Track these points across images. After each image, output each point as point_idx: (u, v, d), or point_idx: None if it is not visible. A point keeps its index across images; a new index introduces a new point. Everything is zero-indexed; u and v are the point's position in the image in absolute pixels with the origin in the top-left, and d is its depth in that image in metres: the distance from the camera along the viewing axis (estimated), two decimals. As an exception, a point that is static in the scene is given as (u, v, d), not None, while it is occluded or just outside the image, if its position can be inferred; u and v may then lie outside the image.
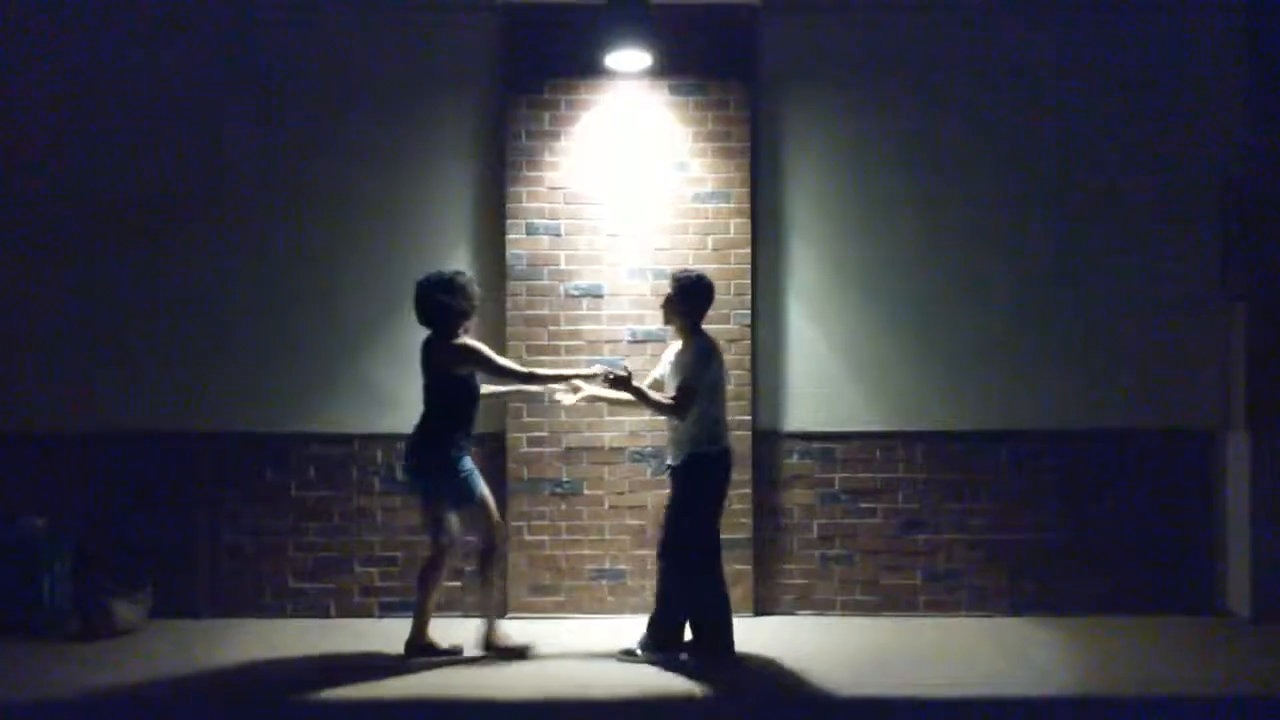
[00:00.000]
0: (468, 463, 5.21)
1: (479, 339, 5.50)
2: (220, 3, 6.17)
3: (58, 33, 6.16)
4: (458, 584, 6.04)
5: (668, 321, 5.32)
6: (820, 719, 4.73)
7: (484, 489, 5.25)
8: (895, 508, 6.11)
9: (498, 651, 5.23)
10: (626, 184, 6.04)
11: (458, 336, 5.18)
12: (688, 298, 5.21)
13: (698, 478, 5.19)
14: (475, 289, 5.25)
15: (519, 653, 5.24)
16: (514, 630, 5.42)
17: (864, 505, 6.11)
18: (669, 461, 5.30)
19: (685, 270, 5.37)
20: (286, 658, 5.31)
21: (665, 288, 5.29)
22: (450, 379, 5.16)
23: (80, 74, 6.16)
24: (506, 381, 5.30)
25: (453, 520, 5.22)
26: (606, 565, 5.95)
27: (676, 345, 5.31)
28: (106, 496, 6.07)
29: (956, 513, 6.10)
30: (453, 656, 5.21)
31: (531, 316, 5.98)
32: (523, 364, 5.55)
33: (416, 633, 5.22)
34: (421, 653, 5.20)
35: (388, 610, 6.06)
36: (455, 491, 5.16)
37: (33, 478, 6.06)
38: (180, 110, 6.16)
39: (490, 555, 5.29)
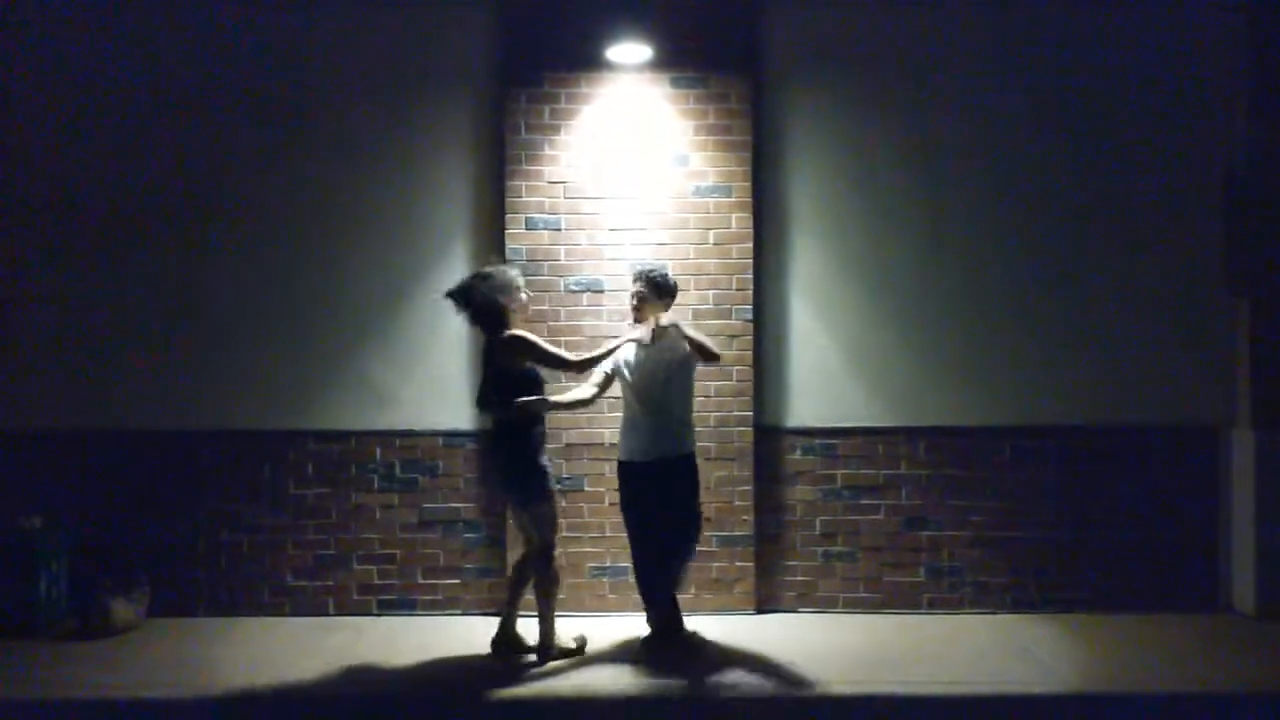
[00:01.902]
0: (545, 460, 5.15)
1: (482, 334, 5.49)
2: (220, 2, 6.13)
3: (57, 33, 6.12)
4: (457, 581, 6.02)
5: (643, 318, 5.26)
6: (823, 717, 4.70)
7: (558, 486, 5.26)
8: (898, 504, 6.07)
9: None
10: (627, 178, 6.00)
11: (510, 329, 5.08)
12: (664, 293, 5.27)
13: (695, 470, 5.34)
14: (511, 277, 5.13)
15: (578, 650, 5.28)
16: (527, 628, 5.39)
17: (866, 501, 6.07)
18: (669, 455, 5.23)
19: (650, 266, 5.36)
20: (285, 656, 5.28)
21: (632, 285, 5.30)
22: (515, 375, 5.06)
23: (80, 74, 6.11)
24: (562, 372, 5.21)
25: (556, 515, 5.18)
26: (608, 563, 5.91)
27: (632, 341, 5.27)
28: (104, 494, 6.03)
29: (959, 509, 6.07)
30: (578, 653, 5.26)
31: (531, 312, 5.91)
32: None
33: (547, 635, 5.20)
34: (561, 654, 5.20)
35: (386, 608, 6.02)
36: (534, 489, 5.08)
37: (30, 476, 6.03)
38: (180, 110, 6.11)
39: (541, 558, 5.19)
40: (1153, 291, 6.11)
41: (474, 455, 6.04)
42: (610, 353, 5.23)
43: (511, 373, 5.05)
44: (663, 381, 5.21)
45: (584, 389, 5.33)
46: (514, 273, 5.21)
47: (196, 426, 6.06)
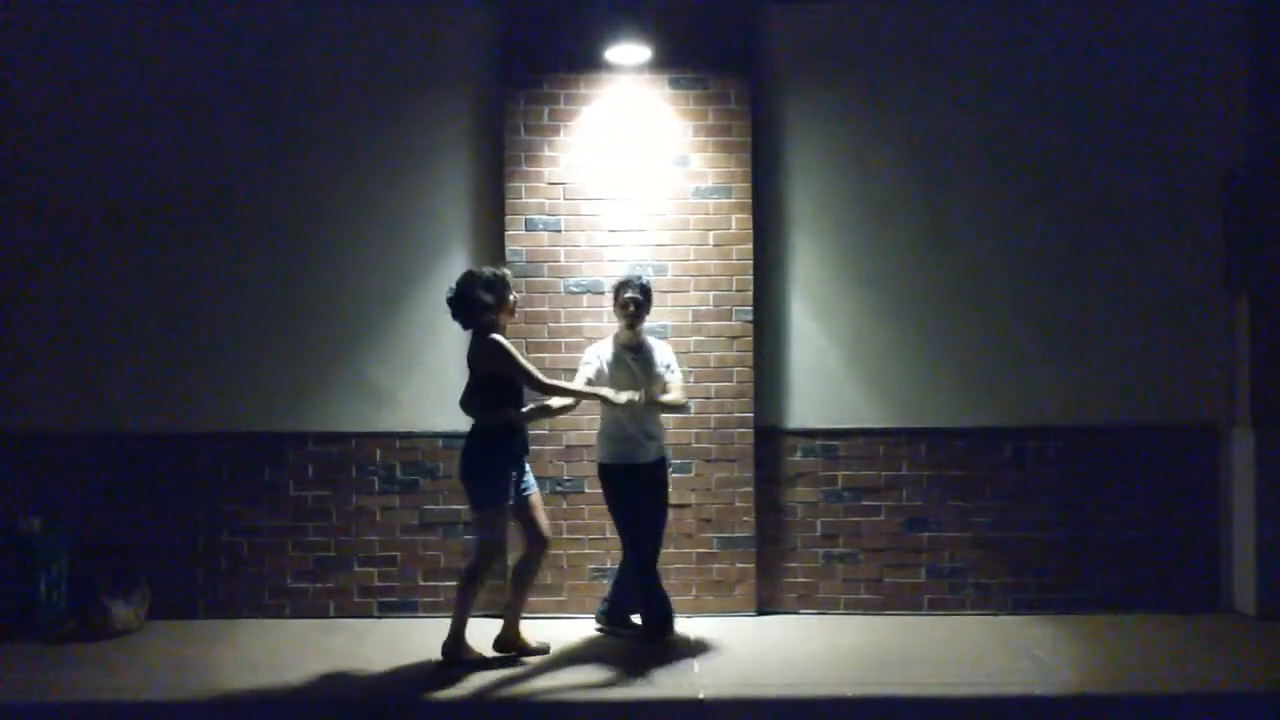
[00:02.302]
0: (507, 466, 5.06)
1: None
2: (219, 3, 6.12)
3: (58, 33, 6.12)
4: (458, 583, 5.99)
5: (637, 325, 5.35)
6: (825, 718, 4.69)
7: (510, 501, 5.09)
8: (899, 505, 6.07)
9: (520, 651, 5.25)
10: (626, 179, 5.99)
11: (495, 333, 5.06)
12: (651, 300, 5.39)
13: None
14: (498, 277, 5.10)
15: (541, 651, 5.26)
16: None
17: (867, 503, 6.07)
18: (656, 456, 5.41)
19: (639, 273, 5.44)
20: (286, 659, 5.28)
21: (619, 294, 5.34)
22: (501, 379, 5.03)
23: (80, 74, 6.11)
24: (535, 390, 5.13)
25: (497, 525, 5.10)
26: (608, 564, 5.90)
27: (606, 347, 5.39)
28: (104, 496, 6.02)
29: (960, 510, 6.07)
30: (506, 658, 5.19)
31: (531, 313, 5.92)
32: (546, 374, 5.29)
33: (453, 638, 5.16)
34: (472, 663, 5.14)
35: (387, 610, 6.02)
36: (482, 495, 5.04)
37: (30, 477, 6.02)
38: (180, 110, 6.11)
39: (472, 564, 5.17)
40: (1153, 291, 6.11)
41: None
42: (583, 393, 5.23)
43: (499, 376, 5.03)
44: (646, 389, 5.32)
45: (568, 399, 5.31)
46: (503, 272, 5.17)
47: (196, 428, 6.05)
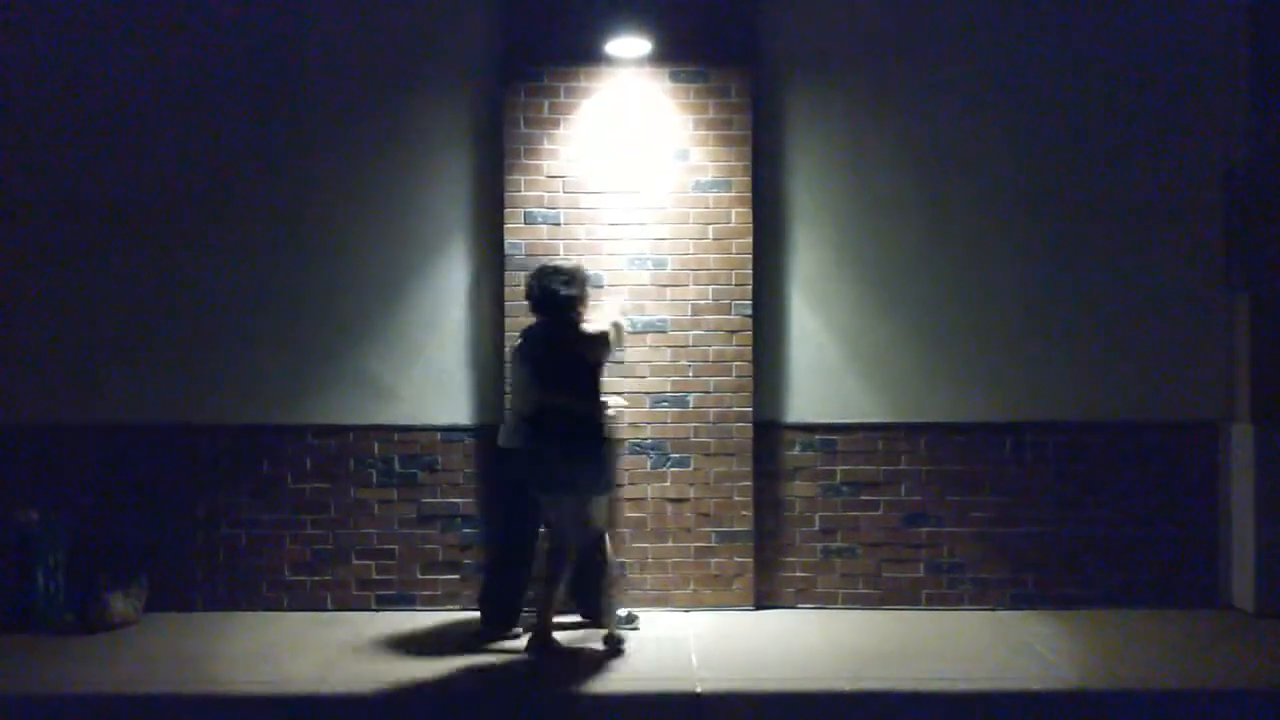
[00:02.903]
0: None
1: (482, 329, 5.69)
2: (219, 3, 6.14)
3: (58, 33, 6.13)
4: (456, 576, 6.00)
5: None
6: (823, 714, 4.68)
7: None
8: (897, 500, 6.06)
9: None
10: (626, 172, 5.99)
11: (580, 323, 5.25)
12: None
13: None
14: (587, 276, 5.39)
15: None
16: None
17: (866, 498, 6.06)
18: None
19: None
20: (284, 652, 5.27)
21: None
22: (598, 366, 5.25)
23: (80, 74, 6.12)
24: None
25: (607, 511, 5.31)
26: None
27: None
28: (102, 489, 6.02)
29: (959, 505, 6.06)
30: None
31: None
32: None
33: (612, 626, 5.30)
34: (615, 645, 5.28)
35: (385, 603, 6.01)
36: (609, 477, 5.29)
37: (28, 470, 6.01)
38: (180, 110, 6.11)
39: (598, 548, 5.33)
40: (1153, 287, 6.09)
41: (473, 450, 6.02)
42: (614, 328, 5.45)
43: (601, 363, 5.23)
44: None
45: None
46: (579, 264, 5.42)
47: (194, 421, 6.04)
